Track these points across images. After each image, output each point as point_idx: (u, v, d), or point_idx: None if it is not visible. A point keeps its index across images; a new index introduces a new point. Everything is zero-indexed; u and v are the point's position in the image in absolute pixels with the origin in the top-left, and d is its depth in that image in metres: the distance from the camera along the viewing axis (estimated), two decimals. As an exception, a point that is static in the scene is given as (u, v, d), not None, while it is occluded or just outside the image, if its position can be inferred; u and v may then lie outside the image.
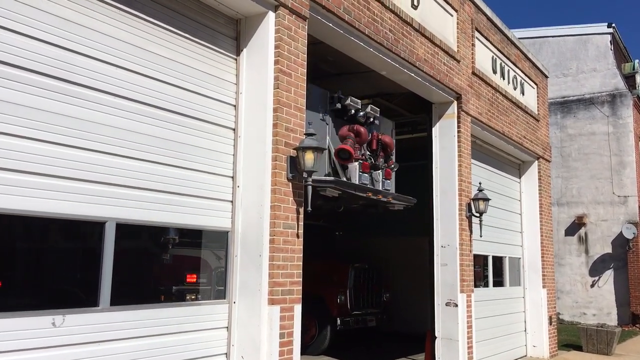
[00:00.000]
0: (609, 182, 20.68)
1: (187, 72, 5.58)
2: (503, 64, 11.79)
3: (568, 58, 21.94)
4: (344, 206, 8.90)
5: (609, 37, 21.35)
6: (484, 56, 10.89)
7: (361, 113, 8.15)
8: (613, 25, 21.16)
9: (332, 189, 7.16)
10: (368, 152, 8.32)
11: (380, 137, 8.38)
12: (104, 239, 4.68)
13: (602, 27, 21.44)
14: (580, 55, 21.81)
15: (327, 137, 7.76)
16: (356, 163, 7.79)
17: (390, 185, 8.70)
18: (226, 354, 5.66)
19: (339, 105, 7.86)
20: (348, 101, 7.89)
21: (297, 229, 5.89)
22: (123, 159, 4.89)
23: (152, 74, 5.22)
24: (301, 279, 5.95)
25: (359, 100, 8.12)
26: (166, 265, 5.54)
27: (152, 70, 5.22)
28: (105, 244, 4.68)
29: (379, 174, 8.31)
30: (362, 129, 8.01)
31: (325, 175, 7.40)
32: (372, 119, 8.40)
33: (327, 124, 7.81)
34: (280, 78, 5.88)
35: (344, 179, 7.74)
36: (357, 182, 7.79)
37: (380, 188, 8.33)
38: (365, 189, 7.87)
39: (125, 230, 4.88)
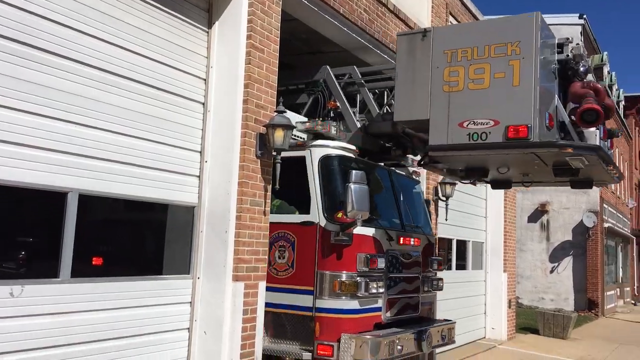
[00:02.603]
0: (573, 171, 21.11)
1: (158, 42, 5.45)
2: (475, 50, 11.83)
3: (539, 47, 22.16)
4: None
5: (579, 28, 21.62)
6: (457, 41, 10.91)
7: (582, 68, 6.26)
8: (584, 16, 21.43)
9: (586, 158, 5.81)
10: None
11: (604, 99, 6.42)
12: (65, 210, 4.58)
13: (574, 18, 21.70)
14: (551, 45, 22.04)
15: (555, 95, 6.13)
16: (595, 129, 6.15)
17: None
18: (189, 329, 5.64)
19: (569, 55, 6.18)
20: (580, 50, 6.21)
21: (265, 207, 5.87)
22: (89, 129, 4.78)
23: (121, 43, 5.09)
24: (267, 257, 5.96)
25: (586, 50, 6.44)
26: (129, 238, 5.47)
27: (121, 40, 5.09)
28: (67, 214, 4.58)
29: (606, 144, 6.65)
30: (599, 87, 6.15)
31: (556, 140, 5.89)
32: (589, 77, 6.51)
33: (556, 78, 6.15)
34: (252, 54, 5.81)
35: None
36: None
37: None
38: (611, 161, 6.34)
39: (88, 202, 4.79)
